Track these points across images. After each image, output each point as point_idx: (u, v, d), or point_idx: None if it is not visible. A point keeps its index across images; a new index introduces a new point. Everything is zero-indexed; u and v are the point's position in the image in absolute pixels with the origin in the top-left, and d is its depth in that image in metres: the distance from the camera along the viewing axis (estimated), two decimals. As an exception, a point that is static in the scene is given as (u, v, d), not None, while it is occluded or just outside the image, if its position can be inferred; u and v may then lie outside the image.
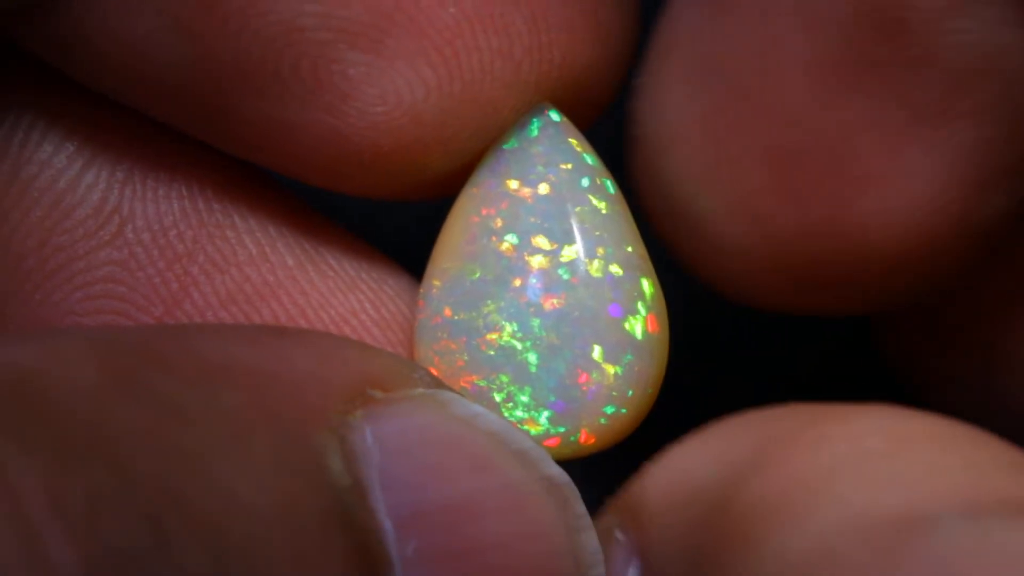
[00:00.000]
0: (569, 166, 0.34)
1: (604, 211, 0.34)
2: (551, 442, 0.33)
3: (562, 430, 0.33)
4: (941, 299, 0.36)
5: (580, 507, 0.30)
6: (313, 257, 0.35)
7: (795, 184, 0.32)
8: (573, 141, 0.34)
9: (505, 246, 0.33)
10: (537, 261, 0.33)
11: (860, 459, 0.27)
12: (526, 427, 0.33)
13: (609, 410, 0.33)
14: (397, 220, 0.38)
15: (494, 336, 0.33)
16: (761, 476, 0.27)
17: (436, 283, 0.34)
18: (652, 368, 0.33)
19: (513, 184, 0.34)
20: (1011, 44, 0.30)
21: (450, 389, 0.31)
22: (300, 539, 0.26)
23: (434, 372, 0.33)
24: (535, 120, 0.34)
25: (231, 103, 0.32)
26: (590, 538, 0.30)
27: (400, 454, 0.29)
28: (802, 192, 0.32)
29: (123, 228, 0.34)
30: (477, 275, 0.33)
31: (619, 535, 0.32)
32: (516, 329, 0.33)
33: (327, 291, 0.35)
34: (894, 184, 0.31)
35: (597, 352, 0.33)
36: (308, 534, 0.27)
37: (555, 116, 0.34)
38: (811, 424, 0.28)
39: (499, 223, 0.33)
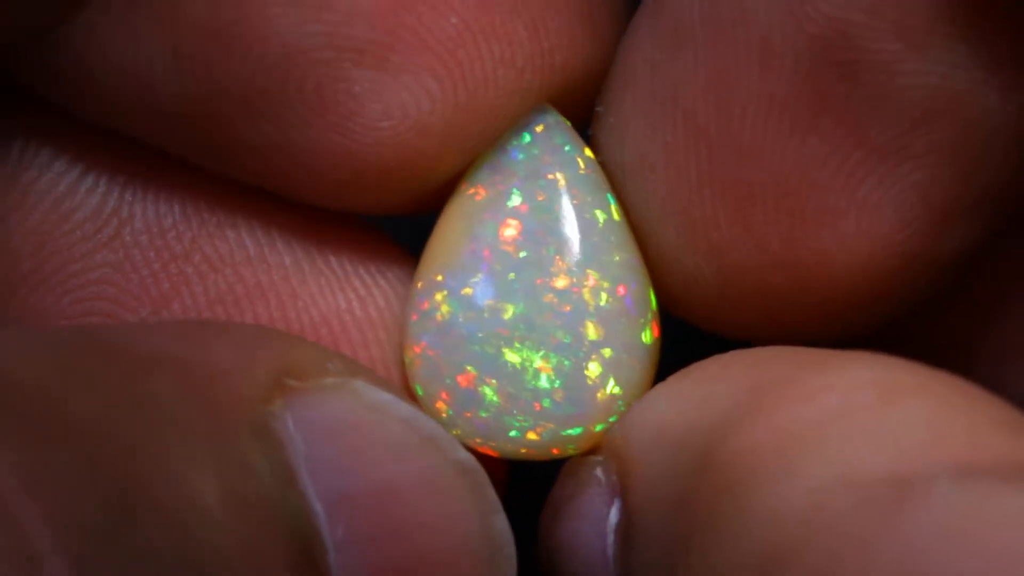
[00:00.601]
0: (567, 167, 0.34)
1: (603, 213, 0.34)
2: (555, 447, 0.33)
3: (572, 432, 0.33)
4: (908, 326, 0.36)
5: (491, 491, 0.31)
6: (312, 254, 0.35)
7: (752, 218, 0.32)
8: (571, 143, 0.34)
9: (505, 247, 0.33)
10: (538, 262, 0.33)
11: (851, 413, 0.26)
12: (523, 428, 0.33)
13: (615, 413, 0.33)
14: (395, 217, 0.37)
15: (493, 336, 0.33)
16: (749, 426, 0.27)
17: (434, 279, 0.34)
18: (650, 371, 0.34)
19: (511, 185, 0.34)
20: (966, 86, 0.30)
21: (363, 375, 0.32)
22: (246, 526, 0.27)
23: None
24: (533, 122, 0.34)
25: (238, 130, 0.32)
26: (501, 520, 0.31)
27: (321, 441, 0.30)
28: (759, 226, 0.32)
29: (121, 230, 0.34)
30: (478, 276, 0.33)
31: (600, 474, 0.32)
32: (517, 330, 0.33)
33: (317, 291, 0.35)
34: (850, 220, 0.31)
35: (606, 354, 0.33)
36: (253, 521, 0.27)
37: (553, 118, 0.34)
38: (799, 372, 0.28)
39: (498, 224, 0.33)
